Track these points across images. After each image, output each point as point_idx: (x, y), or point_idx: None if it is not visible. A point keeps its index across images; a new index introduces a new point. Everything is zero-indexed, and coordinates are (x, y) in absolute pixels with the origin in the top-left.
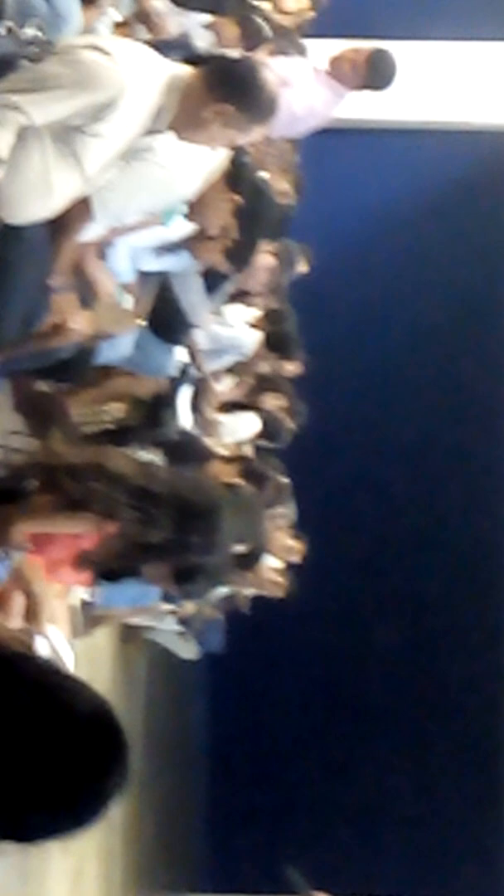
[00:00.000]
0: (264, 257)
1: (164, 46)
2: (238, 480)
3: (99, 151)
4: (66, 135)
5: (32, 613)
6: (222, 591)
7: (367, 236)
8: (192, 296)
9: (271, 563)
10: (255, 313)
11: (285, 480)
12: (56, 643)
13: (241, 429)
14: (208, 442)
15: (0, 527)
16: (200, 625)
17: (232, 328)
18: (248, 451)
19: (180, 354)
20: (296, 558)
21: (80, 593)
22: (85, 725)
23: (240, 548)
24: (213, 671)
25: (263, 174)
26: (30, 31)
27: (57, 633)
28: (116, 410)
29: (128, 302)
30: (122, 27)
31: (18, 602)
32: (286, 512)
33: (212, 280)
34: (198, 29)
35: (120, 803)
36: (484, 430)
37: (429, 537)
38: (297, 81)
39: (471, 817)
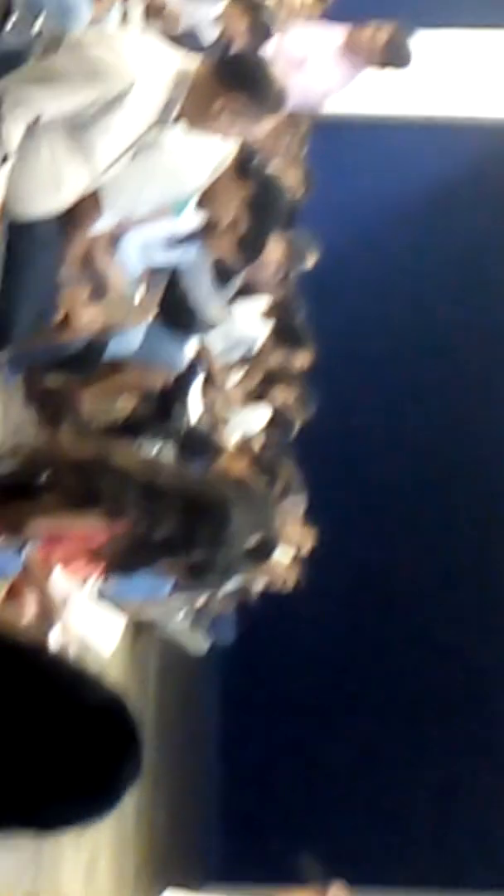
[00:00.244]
0: (274, 249)
1: (173, 40)
2: (248, 472)
3: (109, 144)
4: (75, 128)
5: (43, 607)
6: (234, 582)
7: (375, 229)
8: (202, 288)
9: (282, 555)
10: (264, 305)
11: (296, 472)
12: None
13: (251, 421)
14: (218, 435)
15: (13, 520)
16: (211, 617)
17: (241, 324)
18: (259, 443)
19: (190, 347)
20: (306, 550)
21: (93, 586)
22: (99, 716)
23: (251, 540)
24: (224, 663)
25: (272, 166)
26: (38, 25)
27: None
28: (127, 404)
29: (138, 295)
30: (130, 20)
31: (31, 597)
32: (297, 503)
33: (222, 272)
34: (206, 22)
35: (133, 795)
36: (495, 418)
37: (443, 525)
38: (315, 58)
39: (491, 805)
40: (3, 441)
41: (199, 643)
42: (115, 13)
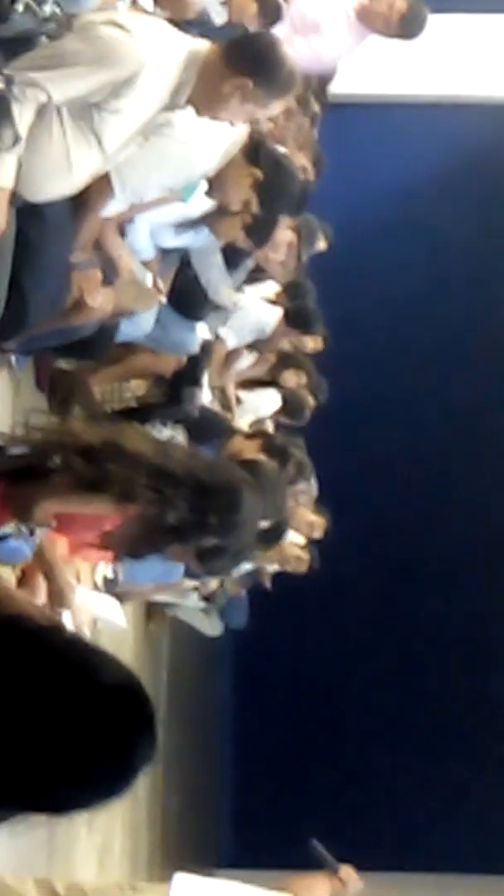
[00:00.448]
0: (284, 233)
1: (183, 23)
2: (259, 457)
3: (118, 128)
4: (86, 112)
5: (54, 590)
6: (245, 567)
7: (385, 210)
8: (212, 272)
9: (294, 539)
10: (275, 289)
11: (307, 456)
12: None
13: (262, 405)
14: (229, 418)
15: (24, 505)
16: (224, 601)
17: (253, 308)
18: (270, 427)
19: (202, 331)
20: (318, 534)
21: (105, 570)
22: (112, 697)
23: (262, 525)
24: (237, 647)
25: (282, 149)
26: (48, 8)
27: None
28: (138, 387)
29: (149, 279)
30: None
31: (42, 581)
32: (308, 488)
33: (232, 256)
34: (216, 6)
35: (146, 778)
36: None
37: (455, 509)
38: (329, 22)
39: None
40: (14, 425)
41: (211, 626)
42: None
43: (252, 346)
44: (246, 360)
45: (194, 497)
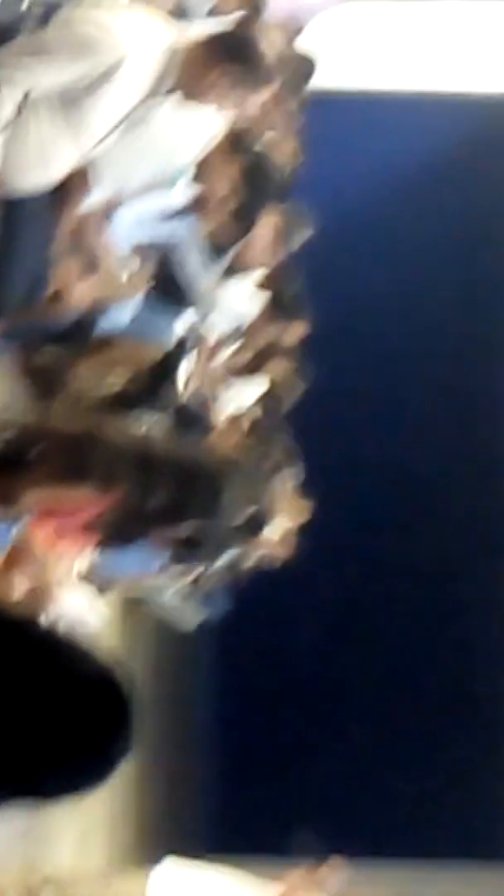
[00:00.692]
0: (267, 222)
1: (166, 13)
2: (241, 446)
3: (99, 119)
4: (66, 103)
5: (37, 581)
6: (227, 556)
7: (370, 201)
8: (194, 262)
9: (278, 526)
10: (257, 279)
11: (290, 445)
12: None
13: (246, 392)
14: (211, 409)
15: (5, 494)
16: (205, 589)
17: (234, 298)
18: (253, 416)
19: (183, 322)
20: (303, 519)
21: (86, 560)
22: (93, 687)
23: (244, 514)
24: (220, 634)
25: (266, 138)
26: (29, 1)
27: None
28: (118, 378)
29: (129, 270)
30: None
31: (24, 570)
32: (293, 474)
33: (214, 246)
34: None
35: (126, 767)
36: (492, 390)
37: (438, 497)
38: None
39: (485, 778)
40: None
41: (192, 617)
42: None
43: (237, 334)
44: (230, 348)
45: (177, 481)
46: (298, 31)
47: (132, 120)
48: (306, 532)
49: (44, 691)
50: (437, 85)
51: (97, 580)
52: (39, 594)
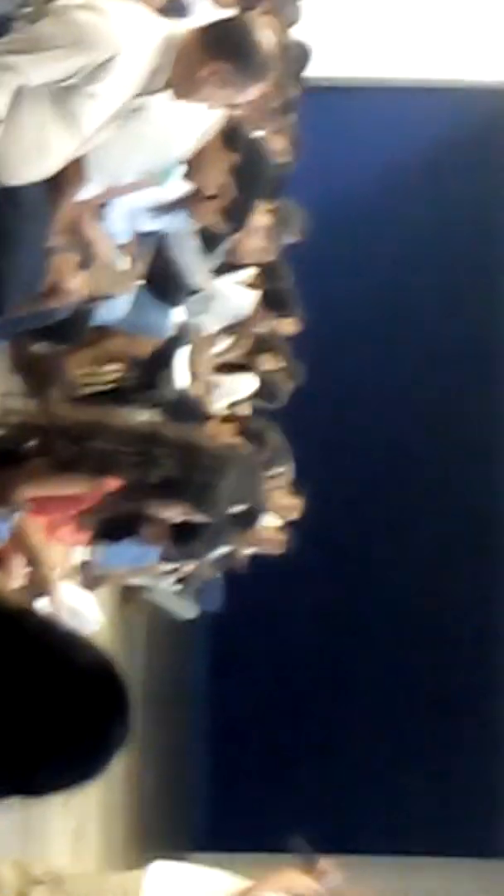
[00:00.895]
0: (261, 216)
1: (160, 7)
2: (236, 440)
3: (95, 111)
4: (62, 95)
5: (34, 574)
6: (221, 549)
7: (363, 194)
8: (188, 256)
9: (270, 522)
10: (251, 273)
11: (283, 440)
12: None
13: (238, 389)
14: (205, 402)
15: (2, 487)
16: (199, 584)
17: (229, 291)
18: (246, 410)
19: (177, 314)
20: (294, 516)
21: (80, 554)
22: (88, 679)
23: (239, 507)
24: (213, 630)
25: (260, 133)
26: None
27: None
28: (114, 371)
29: (125, 262)
30: None
31: (19, 562)
32: (284, 470)
33: (208, 240)
34: None
35: (121, 761)
36: (484, 384)
37: (432, 494)
38: None
39: (476, 775)
40: None
41: (186, 610)
42: None
43: (229, 330)
44: (222, 344)
45: (179, 458)
46: (292, 21)
47: (127, 113)
48: (298, 529)
49: (40, 681)
50: (429, 75)
51: (91, 574)
52: (36, 586)
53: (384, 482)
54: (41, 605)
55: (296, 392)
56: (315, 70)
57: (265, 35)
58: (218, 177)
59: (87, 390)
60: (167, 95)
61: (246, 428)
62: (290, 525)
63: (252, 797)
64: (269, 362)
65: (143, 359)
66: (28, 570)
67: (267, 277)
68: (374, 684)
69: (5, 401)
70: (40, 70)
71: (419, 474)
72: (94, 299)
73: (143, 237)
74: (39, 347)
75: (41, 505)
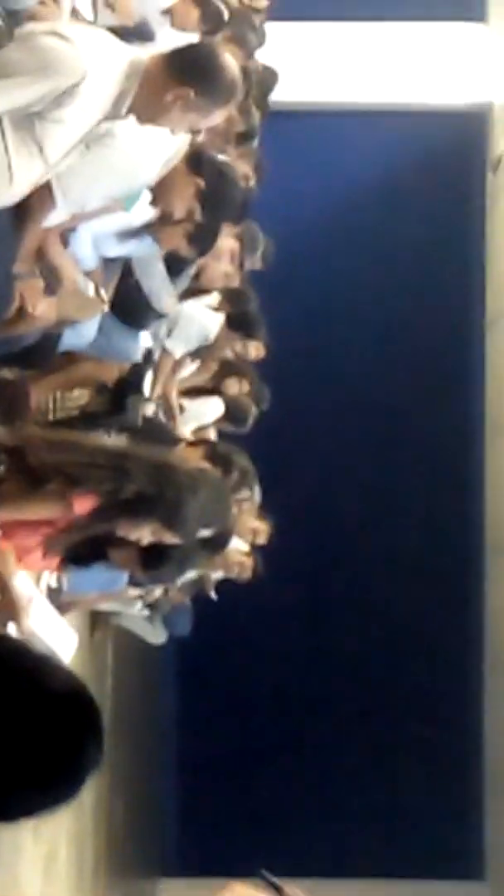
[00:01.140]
0: (227, 241)
1: (124, 32)
2: (204, 464)
3: (60, 137)
4: (27, 121)
5: (4, 599)
6: (189, 575)
7: (326, 218)
8: (154, 280)
9: (238, 546)
10: (216, 297)
11: (250, 463)
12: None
13: (205, 413)
14: (173, 427)
15: None
16: (168, 609)
17: (195, 315)
18: (212, 435)
19: (144, 339)
20: (262, 540)
21: (49, 580)
22: (61, 703)
23: (208, 530)
24: (181, 655)
25: (223, 157)
26: None
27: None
28: (81, 396)
29: (91, 288)
30: (81, 13)
31: None
32: (252, 495)
33: (174, 264)
34: (157, 14)
35: (91, 786)
36: (451, 411)
37: (402, 517)
38: None
39: (452, 797)
40: None
41: (155, 634)
42: (66, 6)
43: (195, 354)
44: (188, 368)
45: (155, 470)
46: (257, 46)
47: (92, 139)
48: (265, 553)
49: (12, 705)
50: (389, 99)
51: (60, 599)
52: (5, 612)
53: (352, 506)
54: (12, 630)
55: (261, 416)
56: (277, 95)
57: (229, 59)
58: (184, 201)
59: (55, 416)
60: (132, 121)
61: (213, 452)
62: (258, 549)
63: (222, 822)
64: (234, 386)
65: (111, 384)
66: (2, 598)
67: (232, 301)
68: (344, 709)
69: None
70: (5, 97)
71: (388, 497)
72: (60, 325)
73: (109, 262)
74: (6, 373)
75: (10, 530)
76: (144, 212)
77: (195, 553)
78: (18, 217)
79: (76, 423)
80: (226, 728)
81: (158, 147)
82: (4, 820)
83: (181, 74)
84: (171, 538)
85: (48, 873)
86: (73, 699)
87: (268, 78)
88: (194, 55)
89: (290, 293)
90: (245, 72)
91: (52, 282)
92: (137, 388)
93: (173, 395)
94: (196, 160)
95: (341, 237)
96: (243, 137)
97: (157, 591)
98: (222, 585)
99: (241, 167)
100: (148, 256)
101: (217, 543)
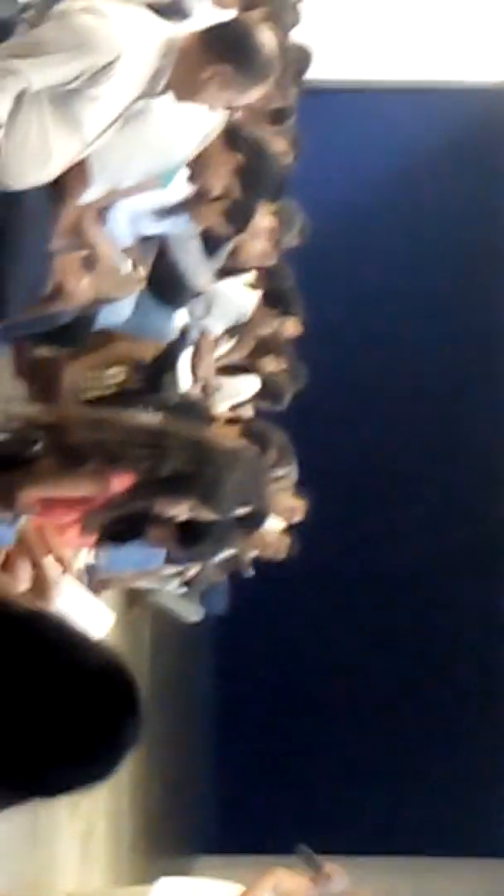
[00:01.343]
0: (264, 219)
1: (160, 9)
2: (241, 442)
3: (97, 114)
4: (65, 98)
5: (38, 581)
6: (226, 552)
7: (362, 196)
8: (191, 258)
9: (274, 524)
10: (253, 275)
11: (287, 441)
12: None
13: (241, 391)
14: (209, 404)
15: (6, 492)
16: (204, 587)
17: (231, 293)
18: (249, 412)
19: (180, 317)
20: (298, 518)
21: (86, 557)
22: (99, 678)
23: (245, 507)
24: (218, 633)
25: (262, 133)
26: None
27: (82, 593)
28: (117, 374)
29: (127, 266)
30: None
31: (25, 568)
32: (288, 472)
33: (211, 242)
34: None
35: (128, 764)
36: (486, 384)
37: (435, 497)
38: None
39: (481, 775)
40: None
41: (192, 613)
42: None
43: (231, 332)
44: (225, 346)
45: (188, 454)
46: (293, 24)
47: (129, 116)
48: (301, 531)
49: (50, 682)
50: (431, 75)
51: (97, 577)
52: (42, 590)
53: (388, 484)
54: (49, 607)
55: (298, 394)
56: (314, 72)
57: (266, 37)
58: (222, 178)
59: (91, 394)
60: (169, 98)
61: (249, 430)
62: (294, 527)
63: (259, 800)
64: (271, 364)
65: (147, 362)
66: (34, 572)
67: (269, 279)
68: (380, 686)
69: (9, 406)
70: (42, 74)
71: (423, 475)
72: (97, 303)
73: (145, 240)
74: (43, 352)
75: (47, 507)
76: (181, 189)
77: (232, 531)
78: (55, 194)
79: (112, 401)
80: (263, 705)
81: (195, 124)
82: (43, 795)
83: (218, 52)
84: (207, 515)
85: (85, 851)
86: (112, 675)
87: (303, 56)
88: (231, 32)
89: (326, 270)
90: (281, 49)
91: (90, 259)
92: (173, 365)
93: (210, 373)
94: (233, 136)
95: (380, 215)
96: (279, 115)
97: (194, 569)
98: (259, 563)
99: (278, 144)
100: (184, 234)
101: (254, 521)
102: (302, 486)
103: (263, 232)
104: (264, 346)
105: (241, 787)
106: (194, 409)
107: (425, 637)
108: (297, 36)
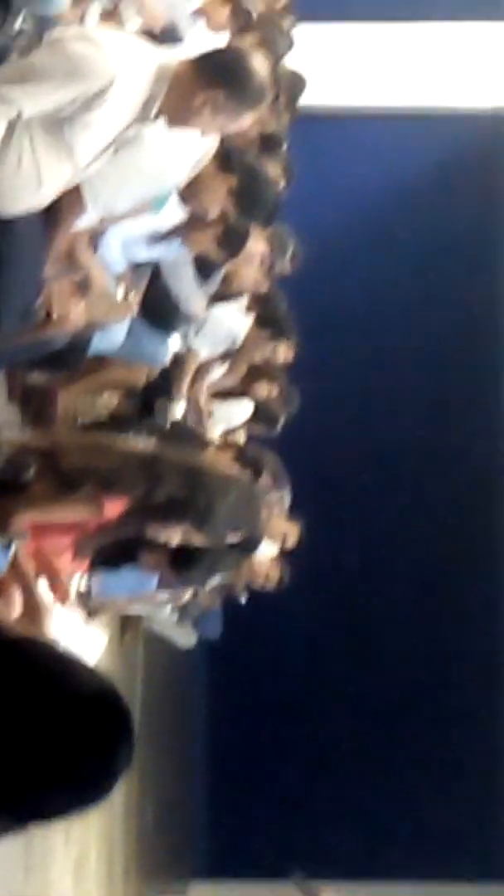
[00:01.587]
0: (257, 244)
1: (154, 34)
2: (234, 467)
3: (90, 141)
4: (57, 125)
5: (31, 607)
6: (219, 577)
7: (356, 222)
8: (183, 284)
9: (267, 550)
10: (246, 300)
11: (280, 467)
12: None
13: (234, 416)
14: (202, 429)
15: (1, 516)
16: (198, 612)
17: (224, 318)
18: (241, 438)
19: (174, 342)
20: (291, 543)
21: (78, 582)
22: (91, 704)
23: (238, 533)
24: (211, 658)
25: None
26: (19, 24)
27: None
28: (110, 400)
29: (120, 292)
30: (111, 16)
31: (17, 595)
32: (281, 498)
33: (204, 267)
34: (185, 16)
35: (121, 790)
36: (481, 411)
37: (431, 519)
38: None
39: (477, 798)
40: None
41: (185, 638)
42: (95, 9)
43: (224, 357)
44: (217, 371)
45: (186, 474)
46: (286, 50)
47: (121, 142)
48: (294, 556)
49: (42, 707)
50: (423, 101)
51: (90, 603)
52: (35, 616)
53: (381, 508)
54: (42, 633)
55: (292, 418)
56: (308, 98)
57: (258, 63)
58: (218, 201)
59: (85, 420)
60: (161, 124)
61: (243, 455)
62: (287, 553)
63: (252, 825)
64: (264, 389)
65: (140, 387)
66: (28, 597)
67: (261, 304)
68: (375, 710)
69: (2, 431)
70: (35, 101)
71: (417, 499)
72: (90, 329)
73: (138, 265)
74: (36, 377)
75: (41, 533)
76: (173, 214)
77: (225, 556)
78: (48, 221)
79: (105, 426)
80: (255, 730)
81: (187, 150)
82: (37, 820)
83: (210, 78)
84: (200, 541)
85: (79, 876)
86: (104, 700)
87: (296, 82)
88: (223, 59)
89: (319, 296)
90: (274, 75)
91: (83, 284)
92: (166, 391)
93: (203, 398)
94: (226, 159)
95: (369, 240)
96: (272, 141)
97: (187, 595)
98: (252, 588)
99: (271, 170)
100: (177, 260)
101: (247, 547)
102: (295, 511)
103: (256, 258)
104: (257, 372)
105: (234, 812)
106: (187, 435)
107: (425, 657)
108: (290, 62)
